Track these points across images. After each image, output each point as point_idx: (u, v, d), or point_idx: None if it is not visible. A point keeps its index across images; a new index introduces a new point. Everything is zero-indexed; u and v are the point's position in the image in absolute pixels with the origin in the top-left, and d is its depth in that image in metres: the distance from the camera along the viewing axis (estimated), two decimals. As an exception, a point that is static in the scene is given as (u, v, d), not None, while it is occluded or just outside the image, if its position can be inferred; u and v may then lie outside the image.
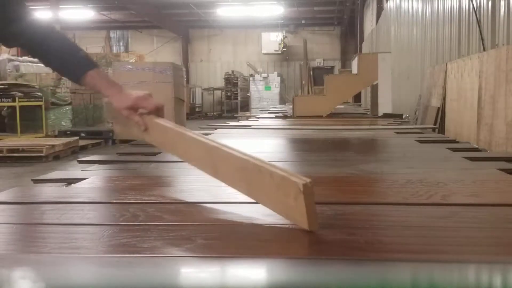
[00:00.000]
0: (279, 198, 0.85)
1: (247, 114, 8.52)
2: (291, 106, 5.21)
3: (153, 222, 0.87)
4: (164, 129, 1.18)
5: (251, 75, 18.09)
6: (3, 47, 11.08)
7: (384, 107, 5.13)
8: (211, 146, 1.01)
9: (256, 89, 17.52)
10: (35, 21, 1.34)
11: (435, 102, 5.43)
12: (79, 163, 1.73)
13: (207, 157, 1.03)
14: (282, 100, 16.48)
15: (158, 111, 1.27)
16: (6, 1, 1.30)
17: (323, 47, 20.25)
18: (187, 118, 9.75)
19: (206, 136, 1.07)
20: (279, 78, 17.65)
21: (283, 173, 0.83)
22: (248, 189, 0.95)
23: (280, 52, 19.61)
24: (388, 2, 10.73)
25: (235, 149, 0.97)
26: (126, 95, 1.26)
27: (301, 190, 0.77)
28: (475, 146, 2.79)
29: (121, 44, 20.73)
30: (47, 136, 9.14)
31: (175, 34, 20.06)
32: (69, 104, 10.38)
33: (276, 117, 4.63)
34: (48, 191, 1.22)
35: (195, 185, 1.24)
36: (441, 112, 5.13)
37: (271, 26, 19.04)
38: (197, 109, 18.62)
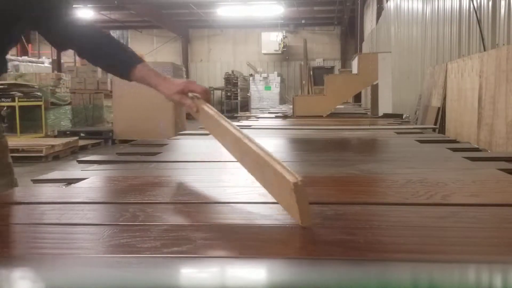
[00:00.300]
0: (281, 192, 0.89)
1: (247, 114, 8.53)
2: (291, 106, 5.21)
3: (153, 222, 0.87)
4: (207, 115, 1.26)
5: (251, 75, 18.10)
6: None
7: (384, 107, 5.13)
8: (236, 137, 1.06)
9: (256, 89, 17.52)
10: (83, 23, 1.42)
11: (435, 102, 5.43)
12: (79, 163, 1.73)
13: (235, 145, 1.10)
14: (282, 100, 16.48)
15: (206, 94, 1.34)
16: (58, 6, 1.37)
17: (323, 47, 20.26)
18: (187, 118, 9.75)
19: (236, 126, 1.13)
20: (279, 78, 17.65)
21: (280, 168, 0.87)
22: (262, 181, 1.00)
23: (280, 52, 19.61)
24: (388, 2, 10.73)
25: (254, 141, 1.00)
26: (174, 81, 1.35)
27: (292, 188, 0.80)
28: (476, 146, 2.79)
29: (121, 44, 20.70)
30: (46, 136, 9.14)
31: (175, 34, 20.07)
32: (69, 104, 10.39)
33: (276, 117, 4.62)
34: (48, 191, 1.22)
35: (195, 185, 1.24)
36: (441, 112, 5.13)
37: (271, 26, 19.04)
38: (197, 109, 18.60)
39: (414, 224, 0.87)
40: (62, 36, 1.40)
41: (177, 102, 1.34)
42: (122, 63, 1.37)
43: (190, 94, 1.32)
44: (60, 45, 1.47)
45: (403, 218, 0.90)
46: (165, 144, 2.11)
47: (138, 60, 1.38)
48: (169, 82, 1.34)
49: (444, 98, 5.10)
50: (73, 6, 1.43)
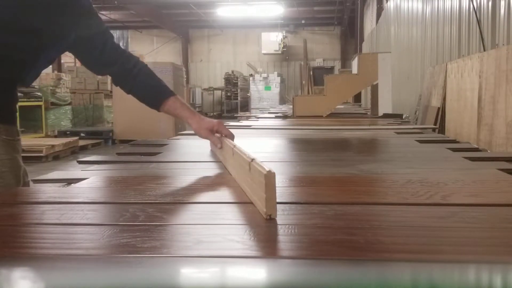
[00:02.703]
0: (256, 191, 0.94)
1: (247, 114, 8.52)
2: (291, 106, 5.21)
3: (153, 222, 0.87)
4: (228, 148, 1.38)
5: (251, 75, 18.10)
6: None
7: (384, 107, 5.13)
8: (244, 160, 1.08)
9: (256, 89, 17.52)
10: (123, 53, 1.53)
11: (435, 102, 5.43)
12: (79, 163, 1.73)
13: (243, 173, 1.11)
14: (282, 100, 16.48)
15: (231, 137, 1.50)
16: (104, 43, 1.48)
17: (323, 47, 20.26)
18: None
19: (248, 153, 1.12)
20: (279, 78, 17.65)
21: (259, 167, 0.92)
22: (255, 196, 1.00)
23: (280, 52, 19.61)
24: (388, 2, 10.74)
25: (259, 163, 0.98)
26: (205, 119, 1.52)
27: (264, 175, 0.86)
28: (475, 146, 2.79)
29: (121, 44, 20.69)
30: (46, 136, 9.14)
31: (175, 34, 20.07)
32: (69, 104, 10.39)
33: (276, 117, 4.62)
34: (48, 191, 1.22)
35: (195, 185, 1.24)
36: (441, 112, 5.13)
37: (271, 26, 19.04)
38: (197, 109, 18.60)
39: (414, 224, 0.87)
40: (105, 66, 1.50)
41: (204, 137, 1.50)
42: (157, 95, 1.52)
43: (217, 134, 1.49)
44: (97, 69, 1.56)
45: (403, 218, 0.90)
46: (165, 144, 2.11)
47: (172, 93, 1.50)
48: (199, 118, 1.50)
49: (444, 98, 5.10)
50: (106, 27, 1.51)
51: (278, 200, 1.04)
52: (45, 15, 1.36)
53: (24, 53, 1.39)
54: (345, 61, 19.10)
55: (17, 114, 1.54)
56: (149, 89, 1.49)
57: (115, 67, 1.48)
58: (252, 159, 1.01)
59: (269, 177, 0.86)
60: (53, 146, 7.25)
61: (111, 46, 1.48)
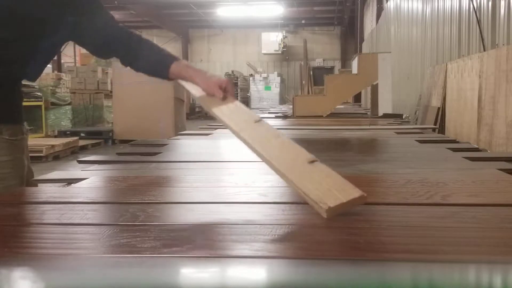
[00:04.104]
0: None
1: (247, 114, 8.48)
2: (291, 106, 5.21)
3: (153, 222, 0.87)
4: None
5: (251, 75, 18.10)
6: None
7: (384, 107, 5.13)
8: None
9: (256, 89, 17.52)
10: (123, 33, 1.48)
11: (435, 102, 5.43)
12: (79, 163, 1.73)
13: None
14: (282, 100, 16.47)
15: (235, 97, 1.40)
16: (91, 10, 1.43)
17: (323, 47, 20.25)
18: (187, 118, 9.76)
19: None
20: (279, 78, 17.65)
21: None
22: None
23: (280, 52, 19.60)
24: (388, 2, 10.73)
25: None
26: (213, 77, 1.41)
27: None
28: (475, 146, 2.79)
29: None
30: (46, 136, 9.13)
31: (175, 34, 20.07)
32: (69, 104, 10.38)
33: (276, 117, 4.63)
34: (48, 191, 1.22)
35: (195, 185, 1.24)
36: (441, 112, 5.13)
37: (271, 26, 19.03)
38: (197, 109, 18.61)
39: (414, 224, 0.87)
40: (101, 44, 1.46)
41: (211, 93, 1.37)
42: (161, 65, 1.43)
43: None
44: (102, 54, 1.55)
45: (403, 218, 0.90)
46: (165, 144, 2.11)
47: (174, 58, 1.44)
48: (206, 76, 1.40)
49: (444, 98, 5.10)
50: (105, 10, 1.49)
51: (278, 200, 1.04)
52: (42, 2, 1.35)
53: (22, 43, 1.36)
54: (345, 61, 19.09)
55: (22, 112, 1.51)
56: (153, 63, 1.46)
57: (119, 49, 1.46)
58: (313, 161, 1.02)
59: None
60: (53, 146, 7.25)
61: (112, 28, 1.45)
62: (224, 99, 1.34)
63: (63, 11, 1.37)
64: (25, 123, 1.49)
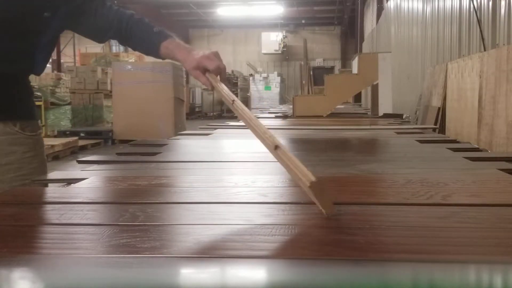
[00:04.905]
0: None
1: (247, 114, 8.49)
2: (291, 106, 5.21)
3: (153, 222, 0.87)
4: (221, 93, 1.24)
5: (251, 75, 18.10)
6: None
7: (384, 107, 5.13)
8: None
9: (256, 89, 17.52)
10: (116, 14, 1.46)
11: (436, 102, 5.43)
12: (79, 163, 1.73)
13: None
14: (282, 100, 16.48)
15: (218, 71, 1.28)
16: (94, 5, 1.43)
17: (323, 47, 20.26)
18: (187, 118, 9.77)
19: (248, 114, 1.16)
20: (279, 78, 17.65)
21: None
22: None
23: (280, 52, 19.62)
24: (388, 1, 10.73)
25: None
26: (193, 55, 1.27)
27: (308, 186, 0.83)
28: (476, 146, 2.79)
29: (121, 44, 20.70)
30: (46, 136, 9.13)
31: (175, 34, 20.07)
32: (69, 104, 10.38)
33: (276, 117, 4.62)
34: (47, 191, 1.22)
35: (195, 185, 1.24)
36: (441, 112, 5.13)
37: (271, 26, 19.05)
38: (196, 109, 18.62)
39: (414, 224, 0.87)
40: (98, 29, 1.45)
41: (196, 78, 1.30)
42: (152, 44, 1.40)
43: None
44: (99, 38, 1.52)
45: (403, 218, 0.90)
46: (165, 144, 2.11)
47: (163, 37, 1.37)
48: (190, 56, 1.28)
49: (444, 98, 5.10)
50: None
51: (278, 200, 1.04)
52: None
53: (27, 37, 1.35)
54: (345, 61, 19.10)
55: (35, 107, 1.52)
56: (144, 44, 1.45)
57: (112, 31, 1.45)
58: (276, 146, 0.99)
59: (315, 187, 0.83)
60: (52, 146, 7.25)
61: (102, 11, 1.44)
62: (212, 86, 1.27)
63: (58, 1, 1.37)
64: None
